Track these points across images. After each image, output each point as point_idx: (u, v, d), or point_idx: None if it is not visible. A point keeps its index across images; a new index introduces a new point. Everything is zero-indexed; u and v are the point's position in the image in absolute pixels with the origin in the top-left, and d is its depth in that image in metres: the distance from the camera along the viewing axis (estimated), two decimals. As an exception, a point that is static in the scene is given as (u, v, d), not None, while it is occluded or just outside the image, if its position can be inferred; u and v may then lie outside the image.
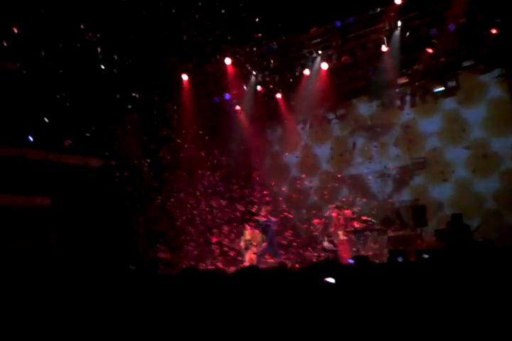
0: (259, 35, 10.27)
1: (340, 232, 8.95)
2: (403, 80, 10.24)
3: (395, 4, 9.30)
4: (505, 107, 9.32)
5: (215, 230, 10.15)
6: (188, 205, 10.22)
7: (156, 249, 9.69)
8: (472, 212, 9.15)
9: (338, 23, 9.97)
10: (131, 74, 10.09)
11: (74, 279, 5.43)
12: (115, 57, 9.04)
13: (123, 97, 10.04)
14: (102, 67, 9.01)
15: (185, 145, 10.85)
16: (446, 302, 3.51)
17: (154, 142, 10.58)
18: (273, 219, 9.29)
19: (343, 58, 10.22)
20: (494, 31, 8.89)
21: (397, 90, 10.47)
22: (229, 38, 10.12)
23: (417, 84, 10.26)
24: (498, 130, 9.39)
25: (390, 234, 8.96)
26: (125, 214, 9.72)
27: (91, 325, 3.97)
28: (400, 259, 4.35)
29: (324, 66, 10.40)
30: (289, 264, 8.23)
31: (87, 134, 9.37)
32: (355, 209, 9.34)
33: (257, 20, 9.66)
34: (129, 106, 10.06)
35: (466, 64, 9.66)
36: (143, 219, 10.12)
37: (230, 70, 11.24)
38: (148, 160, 10.40)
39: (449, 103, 10.02)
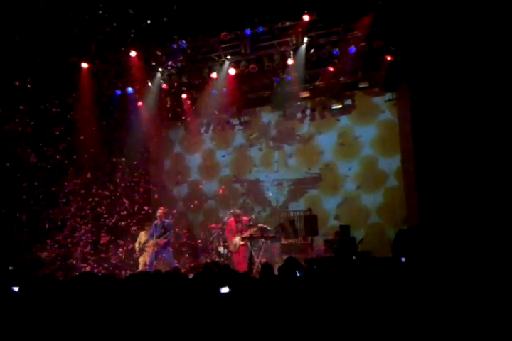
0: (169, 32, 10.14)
1: (236, 238, 9.06)
2: (305, 94, 10.64)
3: (303, 21, 9.71)
4: (393, 129, 10.05)
5: (105, 231, 9.75)
6: (79, 204, 9.70)
7: (38, 247, 9.06)
8: (358, 225, 9.81)
9: (249, 31, 10.14)
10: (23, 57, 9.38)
11: None
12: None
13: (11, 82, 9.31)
14: None
15: (81, 138, 10.31)
16: (331, 311, 3.73)
17: (46, 134, 9.90)
18: (167, 221, 9.11)
19: (250, 66, 10.39)
20: (389, 58, 9.62)
21: (298, 103, 10.86)
22: (133, 31, 9.86)
23: (317, 99, 10.73)
24: (385, 150, 10.13)
25: (283, 241, 9.26)
26: (6, 208, 8.98)
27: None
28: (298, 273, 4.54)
29: (232, 71, 10.52)
30: (182, 269, 8.18)
31: None
32: (252, 216, 9.51)
33: (168, 18, 9.57)
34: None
35: (362, 85, 10.24)
36: (26, 215, 9.41)
37: (135, 64, 10.91)
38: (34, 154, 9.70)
39: (345, 120, 10.62)
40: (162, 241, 8.70)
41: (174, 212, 10.55)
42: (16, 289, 4.91)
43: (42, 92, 9.99)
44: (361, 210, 10.10)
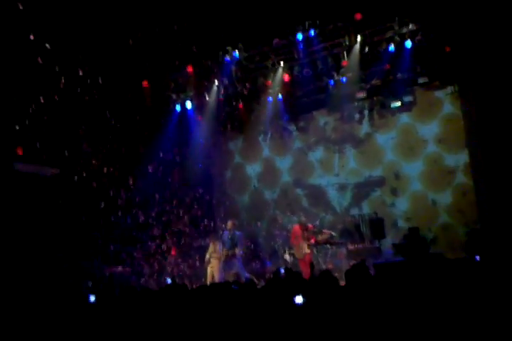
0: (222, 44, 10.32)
1: (302, 245, 9.00)
2: (361, 94, 10.41)
3: (355, 20, 9.55)
4: (458, 124, 9.66)
5: (174, 243, 10.01)
6: (147, 218, 10.03)
7: (112, 263, 9.39)
8: (427, 225, 9.46)
9: (300, 36, 10.10)
10: (86, 80, 9.79)
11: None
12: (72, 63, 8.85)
13: (77, 107, 9.72)
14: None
15: (142, 153, 10.67)
16: (407, 316, 3.61)
17: (110, 151, 10.30)
18: (238, 233, 9.24)
19: (304, 70, 10.35)
20: (447, 49, 9.23)
21: (356, 104, 10.67)
22: (194, 48, 10.08)
23: (374, 98, 10.49)
24: (451, 146, 9.74)
25: (350, 247, 9.06)
26: (78, 226, 9.40)
27: None
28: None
29: (286, 77, 10.51)
30: (253, 278, 8.21)
31: (41, 142, 9.06)
32: (316, 222, 9.41)
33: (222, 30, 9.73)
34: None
35: (421, 80, 9.90)
36: (98, 232, 9.79)
37: (192, 78, 11.17)
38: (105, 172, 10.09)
39: (406, 118, 10.32)
40: (233, 253, 8.81)
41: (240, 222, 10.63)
42: (93, 299, 5.14)
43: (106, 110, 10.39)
44: (430, 210, 9.75)
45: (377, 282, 4.65)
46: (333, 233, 9.22)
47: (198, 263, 9.79)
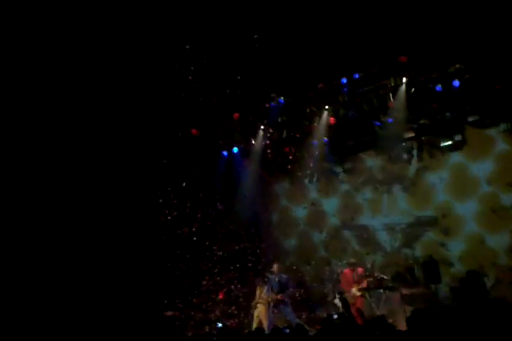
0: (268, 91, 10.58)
1: (353, 289, 8.67)
2: (410, 134, 10.25)
3: (400, 61, 9.58)
4: (512, 161, 9.33)
5: (223, 288, 9.92)
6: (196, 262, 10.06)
7: (163, 307, 9.34)
8: (486, 268, 8.95)
9: (345, 80, 10.19)
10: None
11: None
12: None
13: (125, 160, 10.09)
14: None
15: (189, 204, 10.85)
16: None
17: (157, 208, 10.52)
18: (285, 276, 9.05)
19: (349, 113, 10.37)
20: (497, 87, 9.05)
21: (404, 144, 10.49)
22: (239, 94, 10.37)
23: (423, 138, 10.29)
24: (506, 184, 9.34)
25: (404, 291, 8.57)
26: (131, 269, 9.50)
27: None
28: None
29: (331, 120, 10.54)
30: (303, 324, 7.91)
31: None
32: (367, 264, 9.08)
33: (267, 77, 10.01)
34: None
35: (471, 119, 9.67)
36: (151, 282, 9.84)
37: (238, 124, 11.45)
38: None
39: (457, 157, 10.03)
40: (281, 297, 8.60)
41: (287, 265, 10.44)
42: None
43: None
44: (487, 252, 9.24)
45: (437, 329, 4.41)
46: (384, 277, 8.83)
47: (244, 310, 9.61)
